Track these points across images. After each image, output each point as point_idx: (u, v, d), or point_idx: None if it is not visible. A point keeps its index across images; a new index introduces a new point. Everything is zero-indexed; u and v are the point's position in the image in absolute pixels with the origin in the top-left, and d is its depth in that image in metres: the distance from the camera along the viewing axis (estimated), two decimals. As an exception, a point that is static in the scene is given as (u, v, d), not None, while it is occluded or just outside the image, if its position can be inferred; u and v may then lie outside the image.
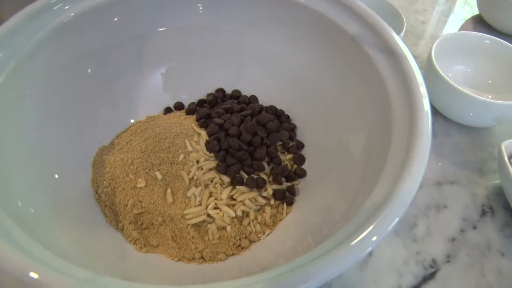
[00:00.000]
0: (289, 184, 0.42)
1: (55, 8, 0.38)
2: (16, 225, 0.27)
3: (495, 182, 0.49)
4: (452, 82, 0.49)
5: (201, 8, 0.46)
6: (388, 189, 0.28)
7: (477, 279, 0.41)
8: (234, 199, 0.40)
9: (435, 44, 0.54)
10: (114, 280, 0.24)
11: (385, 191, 0.28)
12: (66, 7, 0.38)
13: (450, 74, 0.59)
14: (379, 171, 0.31)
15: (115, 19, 0.43)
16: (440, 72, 0.50)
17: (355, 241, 0.25)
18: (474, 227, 0.45)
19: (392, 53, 0.36)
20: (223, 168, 0.41)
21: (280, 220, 0.40)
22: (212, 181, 0.41)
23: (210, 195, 0.40)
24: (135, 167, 0.41)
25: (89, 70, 0.42)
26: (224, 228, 0.39)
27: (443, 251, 0.43)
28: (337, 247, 0.25)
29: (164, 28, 0.47)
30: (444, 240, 0.44)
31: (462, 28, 0.74)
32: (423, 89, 0.33)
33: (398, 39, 0.37)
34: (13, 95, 0.35)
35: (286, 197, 0.41)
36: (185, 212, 0.39)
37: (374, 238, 0.25)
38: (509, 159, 0.45)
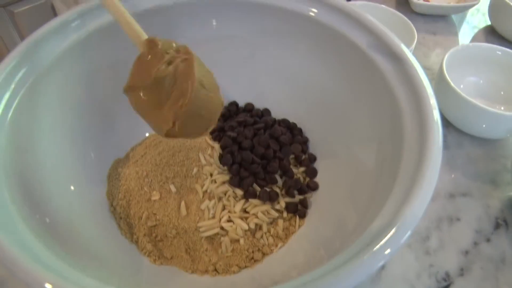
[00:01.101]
0: (301, 197, 0.42)
1: (73, 25, 0.39)
2: (32, 234, 0.28)
3: (509, 194, 0.49)
4: (464, 94, 0.49)
5: (215, 23, 0.46)
6: (400, 202, 0.28)
7: (491, 292, 0.41)
8: (247, 212, 0.41)
9: (446, 56, 0.54)
10: None
11: (397, 204, 0.28)
12: (84, 24, 0.39)
13: (461, 86, 0.59)
14: (390, 184, 0.31)
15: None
16: (452, 84, 0.50)
17: (368, 255, 0.25)
18: (488, 240, 0.45)
19: (402, 66, 0.36)
20: (236, 181, 0.41)
21: (292, 233, 0.40)
22: (225, 194, 0.41)
23: (224, 208, 0.41)
24: (150, 180, 0.41)
25: (105, 85, 0.43)
26: (237, 240, 0.39)
27: (456, 264, 0.43)
28: (349, 261, 0.25)
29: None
30: (457, 253, 0.44)
31: (474, 39, 0.73)
32: (433, 101, 0.33)
33: (407, 52, 0.37)
34: (33, 108, 0.36)
35: (298, 210, 0.41)
36: (199, 224, 0.39)
37: (387, 252, 0.25)
38: (522, 171, 0.44)
